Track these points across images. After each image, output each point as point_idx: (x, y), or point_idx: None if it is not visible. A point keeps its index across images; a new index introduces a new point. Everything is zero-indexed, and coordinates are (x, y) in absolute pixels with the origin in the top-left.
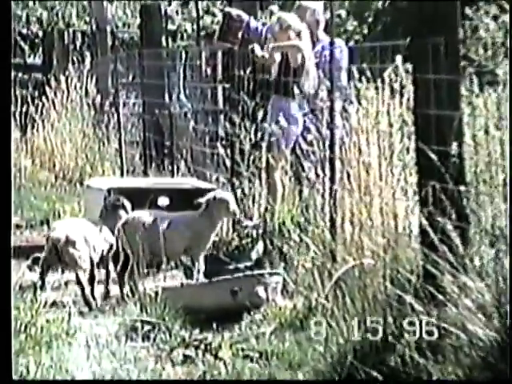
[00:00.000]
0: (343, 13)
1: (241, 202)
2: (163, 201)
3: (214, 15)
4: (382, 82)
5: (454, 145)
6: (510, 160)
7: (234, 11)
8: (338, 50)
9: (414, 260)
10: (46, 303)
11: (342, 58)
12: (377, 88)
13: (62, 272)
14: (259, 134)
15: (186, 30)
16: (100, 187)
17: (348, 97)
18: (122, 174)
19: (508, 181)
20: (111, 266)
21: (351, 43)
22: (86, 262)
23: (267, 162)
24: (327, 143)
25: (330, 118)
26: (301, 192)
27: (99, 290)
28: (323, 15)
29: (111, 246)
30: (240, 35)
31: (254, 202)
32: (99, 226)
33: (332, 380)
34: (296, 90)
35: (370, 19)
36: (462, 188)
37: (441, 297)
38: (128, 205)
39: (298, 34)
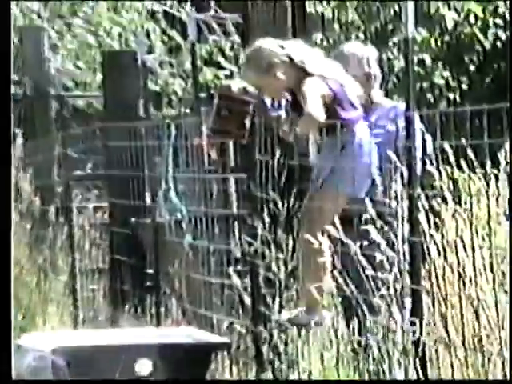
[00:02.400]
0: (427, 58)
1: (269, 365)
2: (143, 366)
3: (219, 67)
4: (496, 167)
5: None
6: None
7: (235, 85)
8: (397, 119)
9: None
10: None
11: (413, 132)
12: (486, 177)
13: None
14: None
15: (173, 93)
16: (40, 348)
17: (437, 192)
18: (75, 325)
19: None
20: None
21: (443, 105)
22: None
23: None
24: (405, 266)
25: (410, 225)
26: (366, 347)
27: None
28: (377, 66)
29: None
30: (248, 122)
31: (291, 364)
32: None
33: (332, 380)
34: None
35: (473, 67)
36: None
37: None
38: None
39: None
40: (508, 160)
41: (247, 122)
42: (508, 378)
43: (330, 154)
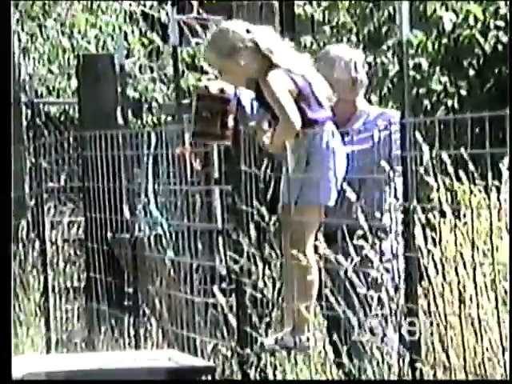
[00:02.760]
0: (423, 62)
1: None
2: None
3: (203, 71)
4: (497, 178)
5: None
6: None
7: (213, 85)
8: (387, 128)
9: None
10: None
11: (391, 140)
12: (486, 189)
13: None
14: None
15: (153, 99)
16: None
17: (435, 205)
18: (47, 348)
19: None
20: None
21: (440, 113)
22: None
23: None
24: (401, 284)
25: (405, 240)
26: (360, 371)
27: None
28: (364, 71)
29: None
30: (231, 121)
31: None
32: None
33: (332, 380)
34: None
35: (472, 72)
36: None
37: None
38: None
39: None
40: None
41: (230, 121)
42: (508, 378)
43: (298, 165)
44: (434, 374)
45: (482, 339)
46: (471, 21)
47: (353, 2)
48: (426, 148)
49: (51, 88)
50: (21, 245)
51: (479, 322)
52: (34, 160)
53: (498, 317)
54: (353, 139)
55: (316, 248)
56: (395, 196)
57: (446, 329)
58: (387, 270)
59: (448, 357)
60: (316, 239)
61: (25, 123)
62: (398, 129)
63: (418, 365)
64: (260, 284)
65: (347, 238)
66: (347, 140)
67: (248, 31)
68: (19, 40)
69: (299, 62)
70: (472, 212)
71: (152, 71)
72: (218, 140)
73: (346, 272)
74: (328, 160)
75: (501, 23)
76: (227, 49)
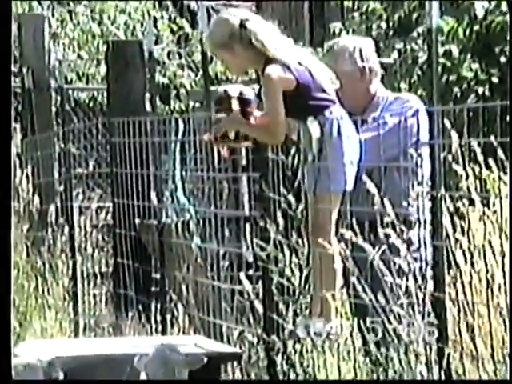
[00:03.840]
0: (454, 49)
1: (282, 376)
2: None
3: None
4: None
5: None
6: None
7: (232, 88)
8: (404, 113)
9: None
10: None
11: (414, 127)
12: None
13: None
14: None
15: (181, 86)
16: (36, 358)
17: (463, 194)
18: (76, 332)
19: None
20: None
21: (471, 100)
22: None
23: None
24: (429, 272)
25: (433, 229)
26: (387, 359)
27: None
28: (375, 58)
29: None
30: (253, 121)
31: (306, 376)
32: None
33: (333, 380)
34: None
35: (503, 59)
36: None
37: None
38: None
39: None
40: None
41: (252, 121)
42: (508, 378)
43: (312, 153)
44: (462, 364)
45: (510, 328)
46: (504, 7)
47: None
48: (455, 136)
49: (80, 74)
50: (50, 230)
51: (508, 311)
52: (62, 146)
53: (510, 304)
54: (370, 126)
55: (342, 236)
56: (422, 183)
57: (473, 318)
58: (415, 259)
59: (475, 346)
60: (341, 227)
61: (54, 109)
62: (415, 114)
63: (446, 353)
64: (287, 271)
65: (374, 226)
66: (365, 128)
67: (242, 23)
68: (49, 25)
69: (296, 53)
70: (501, 200)
71: (180, 57)
72: (240, 142)
73: (373, 260)
74: (340, 146)
75: None
76: (221, 39)
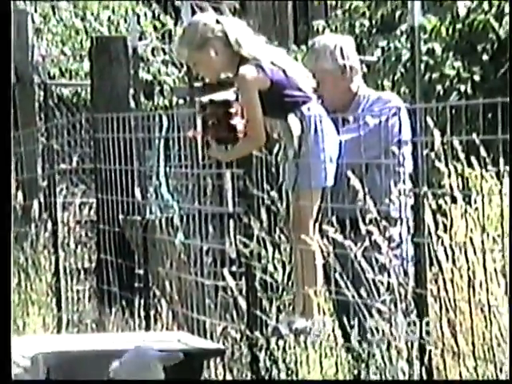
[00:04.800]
0: (437, 47)
1: (265, 373)
2: None
3: None
4: (509, 163)
5: None
6: None
7: (216, 96)
8: (388, 113)
9: None
10: None
11: (396, 125)
12: (498, 175)
13: None
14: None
15: (165, 82)
16: (19, 354)
17: (445, 191)
18: (58, 329)
19: None
20: None
21: (453, 97)
22: None
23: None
24: (411, 269)
25: (415, 227)
26: (369, 355)
27: None
28: (355, 57)
29: None
30: (238, 125)
31: (288, 371)
32: None
33: (333, 380)
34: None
35: (486, 57)
36: None
37: None
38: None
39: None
40: None
41: (237, 123)
42: (508, 377)
43: (291, 150)
44: (444, 360)
45: (491, 325)
46: (486, 5)
47: None
48: (437, 133)
49: (64, 70)
50: (33, 225)
51: (489, 308)
52: (46, 141)
53: (509, 303)
54: (351, 127)
55: (324, 233)
56: (404, 181)
57: (455, 314)
58: (396, 256)
59: (457, 342)
60: (323, 224)
61: (37, 104)
62: (397, 112)
63: (427, 349)
64: (270, 268)
65: (356, 223)
66: (346, 128)
67: (218, 22)
68: (33, 21)
69: (270, 52)
70: (483, 198)
71: (164, 54)
72: (229, 143)
73: (355, 257)
74: (319, 143)
75: None
76: (198, 40)
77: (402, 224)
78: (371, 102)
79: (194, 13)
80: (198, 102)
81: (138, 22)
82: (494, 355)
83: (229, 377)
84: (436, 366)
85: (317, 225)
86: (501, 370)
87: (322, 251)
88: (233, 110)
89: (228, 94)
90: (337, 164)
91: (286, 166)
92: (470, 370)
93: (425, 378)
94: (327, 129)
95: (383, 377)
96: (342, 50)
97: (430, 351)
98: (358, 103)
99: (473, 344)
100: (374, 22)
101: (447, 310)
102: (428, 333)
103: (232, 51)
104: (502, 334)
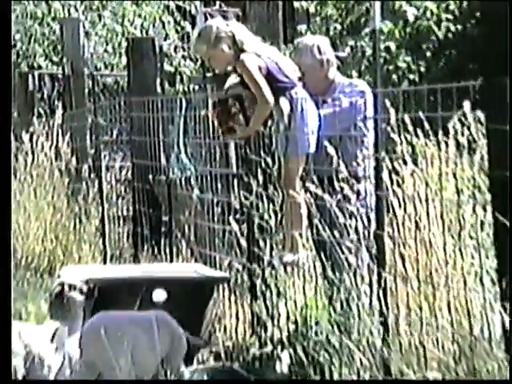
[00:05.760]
0: (392, 45)
1: (261, 295)
2: (159, 295)
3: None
4: (446, 135)
5: None
6: None
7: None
8: (354, 94)
9: (497, 373)
10: None
11: (363, 105)
12: (438, 143)
13: None
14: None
15: (184, 73)
16: (78, 279)
17: (398, 156)
18: (104, 261)
19: None
20: None
21: (405, 84)
22: (18, 372)
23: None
24: (373, 216)
25: (376, 183)
26: (340, 281)
27: None
28: (331, 52)
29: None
30: (238, 116)
31: (278, 294)
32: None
33: (333, 380)
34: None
35: (429, 53)
36: None
37: None
38: (84, 287)
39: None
40: (456, 128)
41: (238, 117)
42: (508, 378)
43: (283, 124)
44: (395, 282)
45: (431, 255)
46: (428, 14)
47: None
48: (392, 112)
49: (107, 63)
50: (84, 183)
51: (430, 244)
52: (93, 119)
53: (444, 239)
54: (329, 105)
55: (307, 188)
56: (367, 148)
57: (404, 248)
58: (362, 206)
59: (405, 269)
60: (307, 181)
61: (86, 90)
62: (363, 95)
63: (383, 275)
64: (265, 216)
65: (332, 181)
66: (325, 106)
67: (227, 25)
68: (84, 27)
69: (266, 49)
70: (427, 161)
71: (184, 51)
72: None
73: (330, 206)
74: (303, 119)
75: (450, 16)
76: (214, 38)
77: (366, 181)
78: (344, 87)
79: (206, 19)
80: (212, 100)
81: (163, 27)
82: (432, 278)
83: (233, 298)
84: (389, 288)
85: (301, 182)
86: (438, 289)
87: (305, 203)
88: (236, 107)
89: (234, 87)
90: (318, 135)
91: (278, 137)
92: (415, 290)
93: (382, 298)
94: (310, 108)
95: (349, 297)
96: (319, 47)
97: (386, 277)
98: (334, 88)
99: (417, 270)
100: (344, 26)
101: (399, 246)
102: (384, 263)
103: (237, 48)
104: (439, 263)
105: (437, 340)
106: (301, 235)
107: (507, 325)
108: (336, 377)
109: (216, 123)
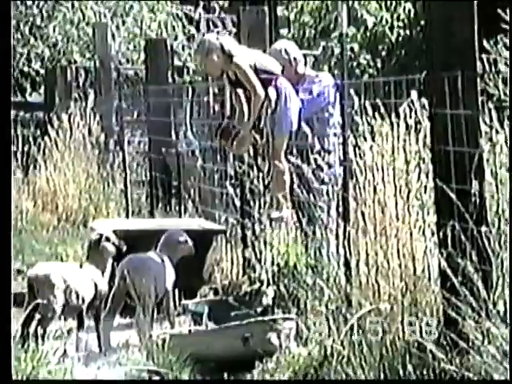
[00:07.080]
0: (356, 46)
1: (251, 244)
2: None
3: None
4: (397, 117)
5: (475, 183)
6: None
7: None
8: (321, 85)
9: (433, 304)
10: (47, 353)
11: (327, 93)
12: (391, 124)
13: (65, 319)
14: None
15: (190, 67)
16: (100, 230)
17: (360, 134)
18: (127, 215)
19: None
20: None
21: (365, 77)
22: (59, 301)
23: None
24: (340, 182)
25: (344, 155)
26: (314, 233)
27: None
28: (297, 52)
29: (99, 290)
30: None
31: (265, 243)
32: (94, 271)
33: (333, 380)
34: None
35: (384, 53)
36: (483, 228)
37: (463, 344)
38: (115, 240)
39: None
40: (405, 112)
41: (236, 132)
42: (508, 378)
43: (271, 108)
44: (357, 234)
45: (386, 212)
46: (384, 22)
47: (313, 7)
48: (356, 98)
49: (129, 59)
50: (110, 154)
51: (384, 202)
52: (118, 103)
53: (396, 199)
54: (302, 93)
55: (289, 159)
56: (335, 128)
57: (365, 207)
58: (331, 173)
59: (365, 223)
60: (289, 154)
61: (113, 81)
62: (327, 85)
63: (348, 229)
64: (255, 181)
65: (308, 153)
66: (300, 93)
67: (217, 38)
68: (110, 29)
69: (252, 53)
70: (382, 138)
71: (189, 49)
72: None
73: (307, 174)
74: (286, 104)
75: (401, 24)
76: (207, 50)
77: (334, 154)
78: (313, 79)
79: (208, 24)
80: (218, 129)
81: (174, 30)
82: (386, 230)
83: (228, 246)
84: (352, 238)
85: (284, 154)
86: (390, 239)
87: (288, 170)
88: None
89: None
90: (298, 117)
91: (267, 118)
92: (372, 240)
93: (346, 246)
94: (292, 95)
95: (321, 246)
96: (286, 49)
97: (349, 230)
98: (304, 80)
99: (374, 225)
100: (318, 30)
101: (361, 205)
102: (348, 219)
103: (227, 56)
104: (391, 217)
105: (388, 278)
106: (284, 197)
107: (442, 266)
108: (309, 308)
109: (223, 144)
